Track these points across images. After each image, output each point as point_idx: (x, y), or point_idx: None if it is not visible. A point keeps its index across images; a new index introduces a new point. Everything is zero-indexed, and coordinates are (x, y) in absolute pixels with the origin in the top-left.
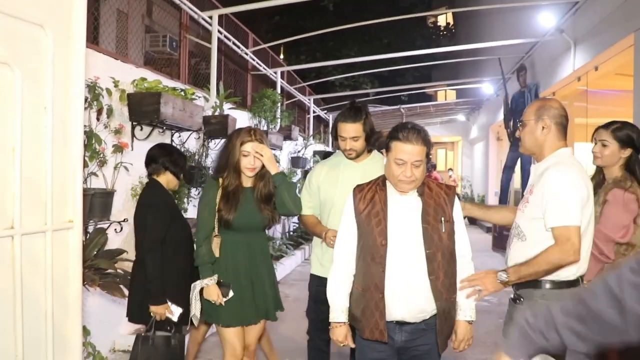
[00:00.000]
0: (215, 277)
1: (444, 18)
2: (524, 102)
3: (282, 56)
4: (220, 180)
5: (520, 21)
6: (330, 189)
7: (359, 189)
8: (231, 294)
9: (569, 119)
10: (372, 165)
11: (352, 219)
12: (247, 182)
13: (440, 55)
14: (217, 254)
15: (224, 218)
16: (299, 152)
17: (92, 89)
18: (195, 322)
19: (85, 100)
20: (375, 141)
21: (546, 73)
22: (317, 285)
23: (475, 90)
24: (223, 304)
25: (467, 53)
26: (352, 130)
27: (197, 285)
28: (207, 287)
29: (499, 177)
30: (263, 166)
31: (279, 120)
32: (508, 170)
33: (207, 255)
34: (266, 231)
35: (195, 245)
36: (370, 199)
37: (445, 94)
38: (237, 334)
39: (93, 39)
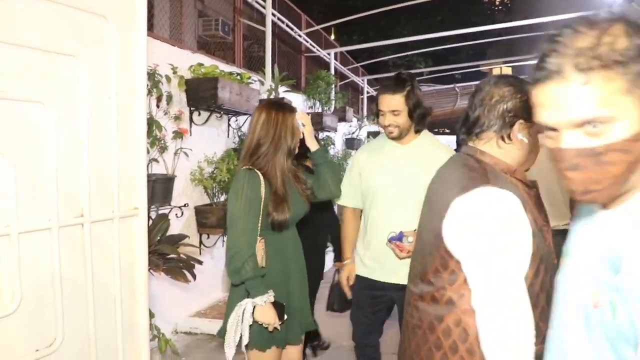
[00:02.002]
0: (271, 294)
1: None
2: None
3: (333, 37)
4: (258, 171)
5: None
6: (371, 177)
7: (528, 190)
8: (285, 316)
9: None
10: (421, 148)
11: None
12: None
13: (496, 32)
14: (262, 264)
15: (277, 220)
16: (353, 133)
17: (152, 76)
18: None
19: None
20: (422, 119)
21: None
22: (361, 287)
23: (532, 67)
24: (279, 328)
25: (524, 29)
26: (391, 102)
27: (246, 305)
28: (260, 308)
29: None
30: None
31: (333, 102)
32: None
33: (254, 269)
34: None
35: (234, 258)
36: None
37: (501, 72)
38: (278, 356)
39: (149, 25)
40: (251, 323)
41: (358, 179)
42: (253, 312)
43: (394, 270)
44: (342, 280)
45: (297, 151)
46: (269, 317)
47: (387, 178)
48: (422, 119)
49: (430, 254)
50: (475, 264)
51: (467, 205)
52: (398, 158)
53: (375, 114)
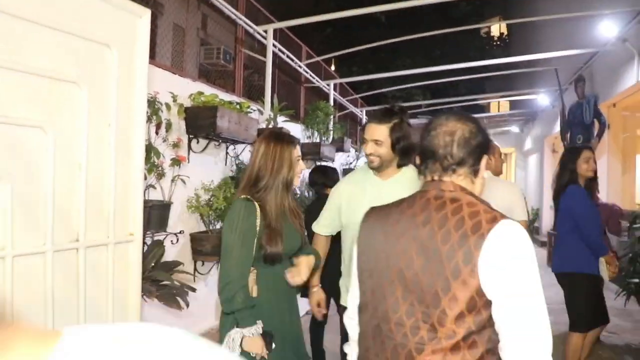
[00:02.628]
0: (260, 325)
1: (497, 28)
2: (582, 114)
3: (333, 68)
4: (255, 202)
5: (578, 31)
6: (352, 213)
7: None
8: (273, 345)
9: (631, 130)
10: (402, 185)
11: None
12: None
13: (494, 67)
14: (254, 294)
15: (270, 253)
16: (351, 163)
17: (152, 104)
18: None
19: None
20: (406, 154)
21: (606, 84)
22: None
23: (529, 101)
24: (266, 357)
25: (521, 64)
26: (375, 131)
27: (234, 335)
28: (249, 338)
29: None
30: None
31: (331, 132)
32: None
33: (245, 301)
34: None
35: (225, 288)
36: None
37: (499, 105)
38: None
39: (151, 53)
40: (239, 353)
41: (336, 211)
42: (241, 343)
43: None
44: (312, 307)
45: (296, 184)
46: (256, 347)
47: None
48: (405, 153)
49: (450, 300)
50: (521, 299)
51: (505, 236)
52: (379, 195)
53: (361, 141)
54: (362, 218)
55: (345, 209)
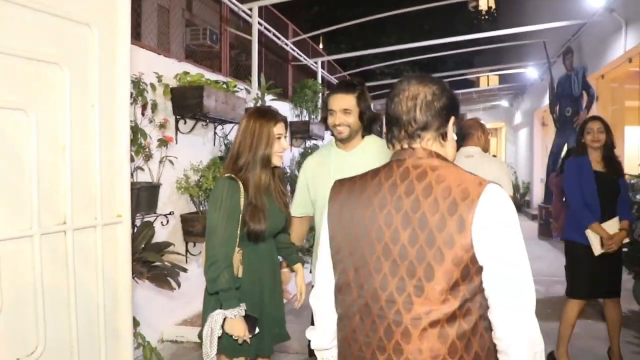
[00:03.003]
0: (243, 307)
1: (485, 1)
2: (571, 86)
3: (321, 46)
4: (239, 180)
5: (566, 2)
6: (319, 188)
7: None
8: (257, 330)
9: (620, 102)
10: (367, 154)
11: None
12: None
13: (482, 41)
14: (239, 274)
15: (254, 230)
16: None
17: (137, 84)
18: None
19: (130, 95)
20: (370, 123)
21: (594, 55)
22: None
23: (518, 75)
24: (248, 341)
25: (510, 37)
26: (343, 101)
27: (217, 316)
28: (231, 320)
29: (544, 163)
30: None
31: (320, 110)
32: (554, 156)
33: (231, 280)
34: None
35: (210, 268)
36: None
37: (488, 80)
38: None
39: (136, 34)
40: (220, 335)
41: (305, 190)
42: (223, 323)
43: None
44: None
45: (276, 162)
46: (239, 330)
47: None
48: (370, 123)
49: (445, 270)
50: (510, 269)
51: (495, 199)
52: (344, 167)
53: (324, 118)
54: (329, 192)
55: (312, 184)
